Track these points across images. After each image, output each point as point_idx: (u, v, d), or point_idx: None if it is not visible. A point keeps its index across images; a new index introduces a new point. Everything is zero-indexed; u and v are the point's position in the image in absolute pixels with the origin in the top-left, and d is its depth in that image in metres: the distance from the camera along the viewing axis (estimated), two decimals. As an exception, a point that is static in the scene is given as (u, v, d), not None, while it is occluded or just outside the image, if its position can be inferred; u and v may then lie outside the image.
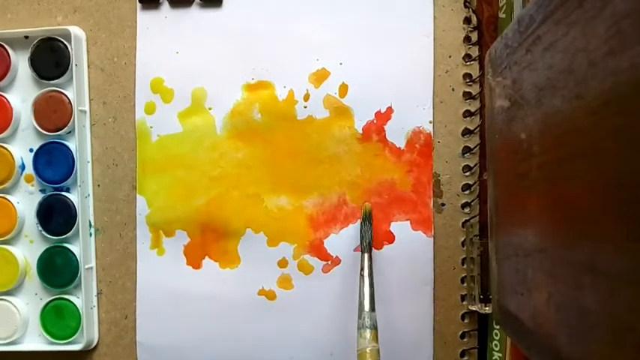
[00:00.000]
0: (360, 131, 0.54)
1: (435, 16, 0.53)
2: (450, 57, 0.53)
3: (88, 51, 0.56)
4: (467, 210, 0.53)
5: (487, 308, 0.51)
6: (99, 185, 0.56)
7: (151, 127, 0.55)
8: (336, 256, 0.54)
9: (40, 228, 0.54)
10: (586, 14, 0.27)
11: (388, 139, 0.53)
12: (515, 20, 0.38)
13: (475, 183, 0.53)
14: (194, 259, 0.55)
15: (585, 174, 0.28)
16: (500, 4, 0.52)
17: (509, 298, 0.41)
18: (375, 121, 0.53)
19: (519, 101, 0.37)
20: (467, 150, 0.53)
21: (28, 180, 0.55)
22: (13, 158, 0.54)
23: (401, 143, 0.53)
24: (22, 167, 0.55)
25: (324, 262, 0.54)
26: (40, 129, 0.54)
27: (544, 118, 0.33)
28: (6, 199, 0.55)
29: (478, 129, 0.53)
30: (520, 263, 0.38)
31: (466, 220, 0.53)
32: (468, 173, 0.53)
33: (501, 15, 0.52)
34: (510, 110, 0.39)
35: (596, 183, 0.27)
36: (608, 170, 0.25)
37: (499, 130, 0.42)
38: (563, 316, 0.32)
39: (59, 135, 0.54)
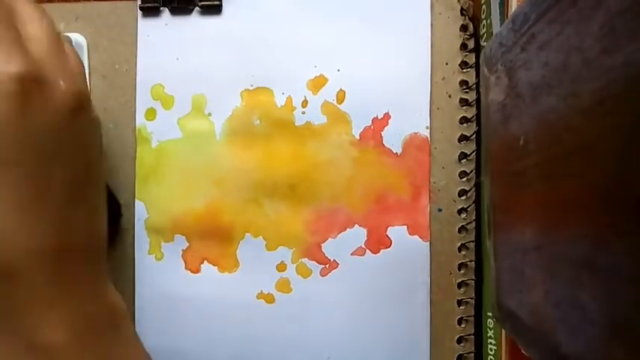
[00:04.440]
0: (357, 137, 0.54)
1: (431, 24, 0.54)
2: (446, 64, 0.54)
3: (89, 58, 0.56)
4: (463, 215, 0.54)
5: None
6: (99, 190, 0.56)
7: (151, 133, 0.55)
8: (334, 260, 0.54)
9: (40, 232, 0.54)
10: (580, 12, 0.28)
11: (385, 144, 0.54)
12: (509, 18, 0.38)
13: (471, 189, 0.53)
14: (193, 264, 0.55)
15: (581, 172, 0.28)
16: (481, 33, 0.53)
17: (508, 296, 0.41)
18: (372, 127, 0.54)
19: (515, 99, 0.38)
20: (463, 156, 0.54)
21: (30, 185, 0.55)
22: (14, 163, 0.54)
23: (398, 149, 0.54)
24: (24, 172, 0.55)
25: (322, 266, 0.54)
26: (41, 134, 0.54)
27: (539, 116, 0.33)
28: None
29: (474, 135, 0.53)
30: (518, 261, 0.39)
31: (462, 226, 0.54)
32: (464, 179, 0.54)
33: (482, 43, 0.53)
34: (506, 109, 0.39)
35: (592, 181, 0.27)
36: (603, 168, 0.26)
37: (495, 129, 0.43)
38: (561, 313, 0.32)
39: (60, 140, 0.55)
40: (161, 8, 0.56)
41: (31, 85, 0.36)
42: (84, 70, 0.44)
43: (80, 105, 0.40)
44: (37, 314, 0.36)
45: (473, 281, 0.53)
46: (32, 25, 0.39)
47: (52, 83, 0.38)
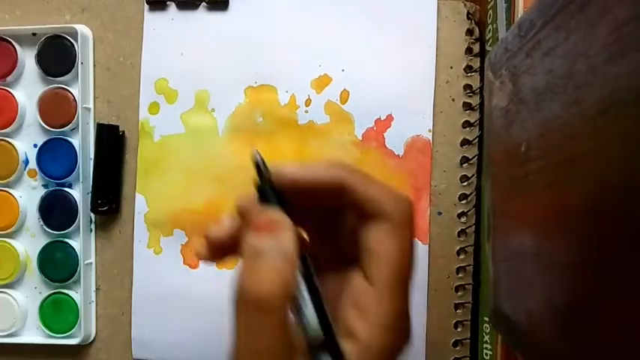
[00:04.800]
0: (360, 138, 0.54)
1: (437, 27, 0.54)
2: (451, 68, 0.54)
3: (94, 50, 0.56)
4: (463, 219, 0.54)
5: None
6: (100, 183, 0.56)
7: (154, 127, 0.55)
8: (333, 260, 0.54)
9: (41, 222, 0.55)
10: (587, 20, 0.28)
11: (387, 146, 0.54)
12: (515, 24, 0.38)
13: (472, 193, 0.53)
14: (191, 259, 0.55)
15: (583, 179, 0.28)
16: (487, 37, 0.53)
17: (506, 301, 0.41)
18: (374, 128, 0.54)
19: (518, 105, 0.38)
20: (465, 160, 0.54)
21: (32, 175, 0.56)
22: (17, 153, 0.55)
23: (400, 151, 0.54)
24: (26, 162, 0.56)
25: (321, 265, 0.54)
26: (44, 125, 0.55)
27: (543, 122, 0.33)
28: (9, 193, 0.55)
29: (477, 140, 0.53)
30: (516, 266, 0.39)
31: (462, 230, 0.54)
32: (465, 183, 0.54)
33: (488, 47, 0.53)
34: (509, 114, 0.39)
35: (593, 188, 0.27)
36: (606, 175, 0.26)
37: (498, 134, 0.43)
38: (558, 320, 0.32)
39: (63, 131, 0.55)
40: (168, 2, 0.56)
41: None
42: None
43: None
44: None
45: (471, 285, 0.53)
46: None
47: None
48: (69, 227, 0.55)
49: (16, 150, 0.55)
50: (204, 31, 0.55)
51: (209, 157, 0.55)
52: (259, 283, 0.31)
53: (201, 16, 0.55)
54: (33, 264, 0.56)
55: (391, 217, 0.34)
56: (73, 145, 0.55)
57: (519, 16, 0.44)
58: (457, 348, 0.54)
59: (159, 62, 0.55)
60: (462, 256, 0.54)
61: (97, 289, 0.56)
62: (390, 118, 0.54)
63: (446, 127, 0.54)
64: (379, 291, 0.34)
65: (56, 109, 0.55)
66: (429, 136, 0.54)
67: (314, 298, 0.33)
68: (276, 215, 0.33)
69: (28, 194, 0.56)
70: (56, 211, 0.55)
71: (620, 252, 0.24)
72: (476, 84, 0.53)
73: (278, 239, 0.32)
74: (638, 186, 0.23)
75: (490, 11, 0.51)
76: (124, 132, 0.56)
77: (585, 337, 0.28)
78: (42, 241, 0.55)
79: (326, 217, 0.37)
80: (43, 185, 0.56)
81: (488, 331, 0.51)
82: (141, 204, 0.56)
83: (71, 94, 0.55)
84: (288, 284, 0.31)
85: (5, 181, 0.55)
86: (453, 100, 0.54)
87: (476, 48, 0.54)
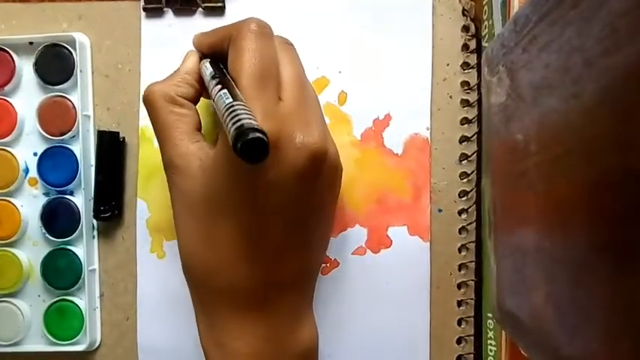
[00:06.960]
0: (359, 138, 0.54)
1: (433, 25, 0.54)
2: (447, 65, 0.54)
3: (92, 57, 0.56)
4: (464, 216, 0.54)
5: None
6: (102, 189, 0.56)
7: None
8: (335, 259, 0.54)
9: (43, 230, 0.55)
10: (582, 14, 0.28)
11: (386, 145, 0.54)
12: (511, 20, 0.38)
13: (472, 190, 0.54)
14: (195, 263, 0.55)
15: (581, 173, 0.28)
16: (483, 34, 0.53)
17: (508, 297, 0.42)
18: (373, 129, 0.54)
19: (516, 100, 0.38)
20: (464, 157, 0.54)
21: (32, 183, 0.56)
22: (17, 162, 0.55)
23: (398, 150, 0.54)
24: (26, 171, 0.56)
25: (323, 265, 0.54)
26: (44, 133, 0.54)
27: (541, 117, 0.33)
28: (10, 202, 0.55)
29: (475, 136, 0.54)
30: (518, 262, 0.39)
31: (463, 227, 0.54)
32: (465, 180, 0.54)
33: (484, 44, 0.53)
34: (507, 109, 0.40)
35: (592, 182, 0.27)
36: (604, 169, 0.26)
37: (496, 130, 0.43)
38: (562, 315, 0.32)
39: (63, 139, 0.55)
40: (164, 9, 0.56)
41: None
42: (322, 113, 0.47)
43: (313, 160, 0.41)
44: (236, 326, 0.44)
45: (473, 282, 0.54)
46: (286, 70, 0.45)
47: (286, 142, 0.40)
48: (71, 234, 0.55)
49: (16, 159, 0.55)
50: (201, 36, 0.55)
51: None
52: (155, 84, 0.47)
53: (198, 21, 0.56)
54: (36, 272, 0.56)
55: (231, 38, 0.44)
56: (73, 153, 0.55)
57: (515, 11, 0.44)
58: (461, 345, 0.54)
59: (157, 69, 0.55)
60: (463, 253, 0.54)
61: (101, 295, 0.56)
62: (388, 117, 0.54)
63: (444, 125, 0.54)
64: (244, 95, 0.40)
65: (56, 117, 0.55)
66: (428, 134, 0.54)
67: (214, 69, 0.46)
68: (189, 53, 0.50)
69: (30, 203, 0.56)
70: (58, 218, 0.55)
71: (619, 245, 0.25)
72: (473, 80, 0.54)
73: (185, 61, 0.49)
74: (635, 175, 0.23)
75: (485, 7, 0.52)
76: (124, 138, 0.56)
77: (588, 332, 0.28)
78: (45, 249, 0.55)
79: None
80: (44, 193, 0.56)
81: (492, 327, 0.51)
82: (142, 209, 0.56)
83: (70, 101, 0.55)
84: (177, 84, 0.47)
85: (6, 190, 0.55)
86: (451, 97, 0.54)
87: (472, 44, 0.54)
